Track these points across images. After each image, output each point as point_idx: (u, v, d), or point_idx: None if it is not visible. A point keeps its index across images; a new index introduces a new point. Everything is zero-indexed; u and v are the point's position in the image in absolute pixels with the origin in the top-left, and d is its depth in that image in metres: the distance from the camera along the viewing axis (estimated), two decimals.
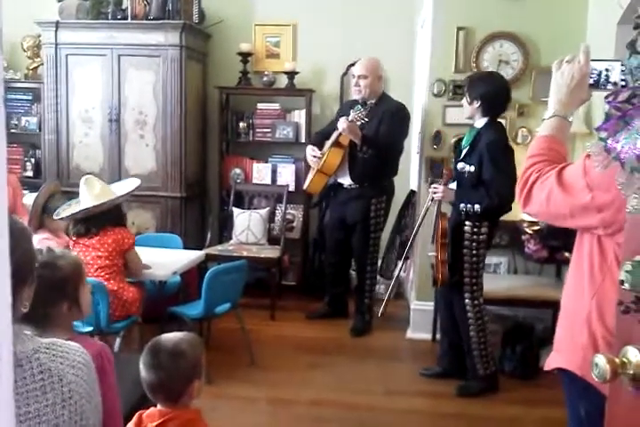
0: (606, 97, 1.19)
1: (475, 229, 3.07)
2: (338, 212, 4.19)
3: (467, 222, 3.08)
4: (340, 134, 3.91)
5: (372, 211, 4.05)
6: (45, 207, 3.34)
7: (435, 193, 3.16)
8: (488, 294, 3.48)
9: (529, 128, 3.87)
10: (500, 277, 3.88)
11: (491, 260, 3.93)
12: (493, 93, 3.07)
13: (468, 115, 3.17)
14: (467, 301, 3.15)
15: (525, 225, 3.72)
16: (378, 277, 4.27)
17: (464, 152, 3.12)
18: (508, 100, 3.15)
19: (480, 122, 3.11)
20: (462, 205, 3.02)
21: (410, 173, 4.82)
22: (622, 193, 1.02)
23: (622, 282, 0.95)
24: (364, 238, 4.08)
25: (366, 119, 3.81)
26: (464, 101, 3.16)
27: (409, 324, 4.07)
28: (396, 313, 4.38)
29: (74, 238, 3.14)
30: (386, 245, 4.40)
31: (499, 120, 3.20)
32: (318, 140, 4.20)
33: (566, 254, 3.18)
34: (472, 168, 3.01)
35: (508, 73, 3.85)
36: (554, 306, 3.52)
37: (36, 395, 1.12)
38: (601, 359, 1.01)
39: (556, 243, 3.29)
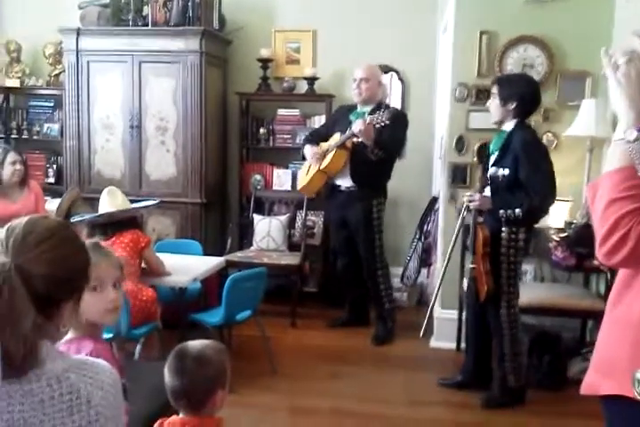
0: None
1: (512, 236, 2.98)
2: (338, 213, 4.15)
3: (504, 229, 2.98)
4: (351, 137, 3.87)
5: (375, 212, 4.02)
6: (68, 213, 3.36)
7: (470, 202, 3.03)
8: None
9: (555, 133, 3.79)
10: (527, 286, 3.77)
11: None
12: (529, 94, 3.02)
13: (498, 118, 3.08)
14: (502, 311, 3.05)
15: (552, 232, 3.64)
16: (397, 282, 4.20)
17: (494, 157, 3.04)
18: (540, 101, 3.10)
19: (509, 124, 3.04)
20: (502, 212, 2.92)
21: (432, 179, 4.76)
22: None
23: None
24: (370, 241, 4.04)
25: (386, 122, 3.77)
26: (493, 104, 3.07)
27: (432, 332, 4.00)
28: (420, 321, 4.30)
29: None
30: (408, 251, 4.34)
31: (527, 122, 3.13)
32: (314, 140, 4.16)
33: (595, 262, 3.09)
34: (506, 171, 2.93)
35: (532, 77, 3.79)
36: (582, 315, 3.46)
37: (62, 416, 1.09)
38: None
39: (585, 250, 3.19)
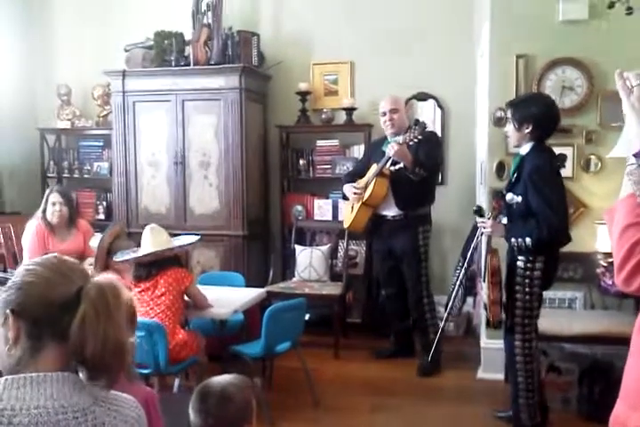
0: None
1: (528, 265, 2.86)
2: (384, 244, 4.14)
3: (520, 257, 2.87)
4: (384, 165, 3.89)
5: (421, 240, 4.01)
6: (110, 249, 3.43)
7: (483, 228, 2.97)
8: (563, 330, 3.29)
9: (598, 155, 3.69)
10: (576, 313, 3.65)
11: (565, 295, 3.73)
12: (544, 114, 2.89)
13: (515, 142, 2.99)
14: (517, 343, 2.94)
15: (600, 257, 3.51)
16: (442, 310, 4.11)
17: (511, 182, 2.96)
18: (558, 120, 2.95)
19: (525, 148, 2.94)
20: (513, 240, 2.83)
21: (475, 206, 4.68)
22: None
23: None
24: (416, 269, 4.02)
25: (419, 137, 3.76)
26: (509, 129, 2.97)
27: (480, 363, 3.88)
28: (466, 351, 4.20)
29: (134, 282, 3.19)
30: (452, 280, 4.25)
31: (546, 144, 2.98)
32: (352, 179, 4.19)
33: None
34: (519, 198, 2.84)
35: (572, 99, 3.73)
36: None
37: None
38: None
39: None
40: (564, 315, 3.49)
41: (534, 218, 2.79)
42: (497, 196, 3.05)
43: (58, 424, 1.09)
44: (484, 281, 2.96)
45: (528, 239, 2.78)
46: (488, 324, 3.00)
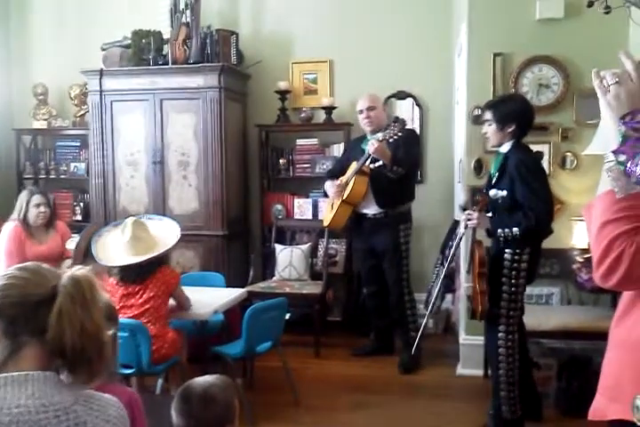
0: (622, 117, 1.10)
1: (515, 257, 2.91)
2: (365, 242, 4.15)
3: (507, 250, 2.92)
4: (364, 163, 3.91)
5: (402, 237, 4.03)
6: (88, 251, 3.39)
7: (469, 220, 3.00)
8: (540, 326, 3.33)
9: (574, 152, 3.73)
10: (553, 309, 3.70)
11: (542, 290, 3.77)
12: (524, 113, 2.97)
13: (496, 142, 3.01)
14: (500, 334, 2.97)
15: (576, 253, 3.56)
16: (422, 309, 4.15)
17: (494, 179, 3.00)
18: (534, 117, 3.03)
19: (506, 146, 2.98)
20: (500, 231, 2.88)
21: (453, 203, 4.72)
22: None
23: None
24: (397, 267, 4.04)
25: (399, 134, 3.78)
26: (490, 129, 3.00)
27: (459, 359, 3.91)
28: (446, 348, 4.23)
29: (119, 284, 3.13)
30: (431, 277, 4.27)
31: (523, 142, 3.04)
32: (333, 177, 4.20)
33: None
34: (504, 193, 2.90)
35: (549, 97, 3.77)
36: None
37: None
38: None
39: None
40: (542, 310, 3.53)
41: (520, 210, 2.84)
42: (481, 191, 3.10)
43: (39, 423, 1.10)
44: (469, 273, 2.97)
45: (515, 229, 2.83)
46: (473, 316, 3.01)
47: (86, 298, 1.18)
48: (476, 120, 3.81)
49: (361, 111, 4.06)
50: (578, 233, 3.60)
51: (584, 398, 3.21)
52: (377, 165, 3.92)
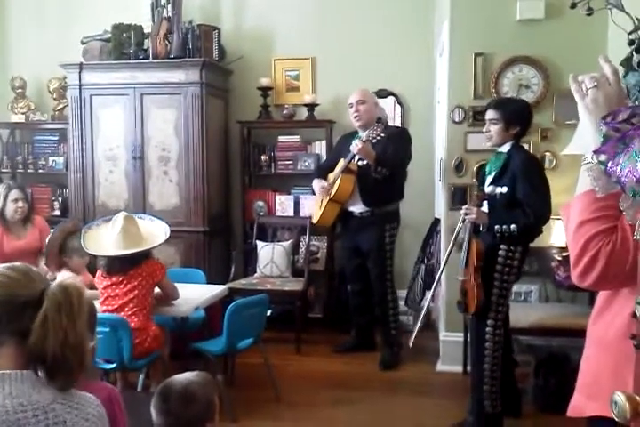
0: (604, 117, 1.12)
1: (509, 254, 2.96)
2: (351, 241, 4.16)
3: (502, 246, 2.96)
4: (350, 161, 3.91)
5: (387, 237, 4.03)
6: (65, 247, 3.37)
7: (467, 214, 3.03)
8: (519, 323, 3.37)
9: (553, 152, 3.78)
10: (531, 306, 3.75)
11: (521, 288, 3.82)
12: (528, 115, 3.07)
13: (499, 142, 3.04)
14: (488, 329, 3.01)
15: (554, 251, 3.61)
16: (402, 306, 4.18)
17: (491, 177, 3.04)
18: (532, 121, 3.16)
19: (506, 146, 3.04)
20: (497, 227, 2.91)
21: (434, 201, 4.75)
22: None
23: (635, 315, 0.88)
24: (381, 266, 4.04)
25: (382, 135, 3.79)
26: (494, 129, 3.03)
27: (439, 356, 3.95)
28: (426, 345, 4.26)
29: (104, 276, 3.13)
30: (411, 274, 4.31)
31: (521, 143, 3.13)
32: (321, 173, 4.20)
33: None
34: (504, 189, 2.94)
35: (529, 97, 3.80)
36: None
37: None
38: (620, 397, 0.93)
39: None
40: (520, 308, 3.58)
41: (519, 208, 2.89)
42: (477, 187, 3.19)
43: (17, 423, 1.09)
44: (466, 266, 3.00)
45: (513, 226, 2.87)
46: (466, 309, 3.03)
47: (73, 308, 1.18)
48: (458, 120, 3.84)
49: (351, 105, 4.04)
50: (556, 232, 3.66)
51: (561, 394, 3.28)
52: (364, 162, 3.92)
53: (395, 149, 3.90)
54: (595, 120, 1.29)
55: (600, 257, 1.24)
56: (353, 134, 4.13)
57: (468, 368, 3.61)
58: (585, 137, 1.34)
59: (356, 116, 4.02)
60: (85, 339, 1.20)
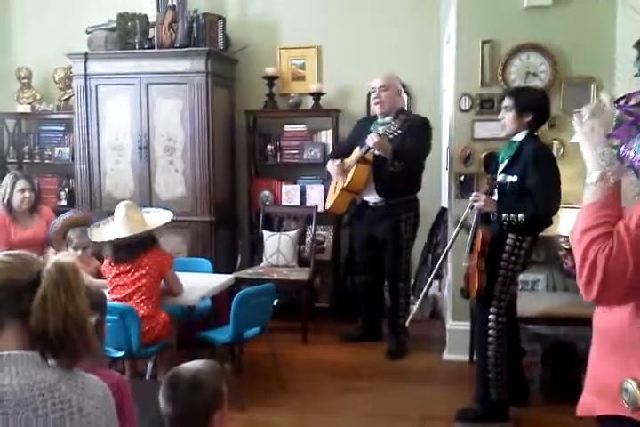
0: (616, 101, 1.11)
1: (517, 243, 2.95)
2: (366, 230, 4.12)
3: (510, 235, 2.95)
4: (367, 151, 3.85)
5: (403, 227, 3.99)
6: (65, 238, 3.40)
7: (475, 201, 3.02)
8: (526, 312, 3.36)
9: (561, 140, 3.76)
10: (539, 295, 3.74)
11: (528, 277, 3.80)
12: (545, 106, 3.05)
13: (512, 130, 3.02)
14: (491, 316, 3.00)
15: (562, 240, 3.59)
16: (412, 296, 4.17)
17: (503, 165, 3.02)
18: (550, 112, 3.14)
19: (520, 135, 3.02)
20: (505, 215, 2.91)
21: (441, 190, 4.73)
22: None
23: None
24: (396, 256, 4.00)
25: (399, 131, 3.75)
26: (508, 116, 3.01)
27: (445, 345, 3.95)
28: (432, 334, 4.26)
29: (111, 265, 3.14)
30: (418, 263, 4.30)
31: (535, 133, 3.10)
32: (337, 156, 4.16)
33: None
34: (514, 178, 2.92)
35: (536, 85, 3.77)
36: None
37: (56, 424, 1.14)
38: (631, 384, 0.92)
39: None
40: (527, 297, 3.57)
41: (529, 196, 2.88)
42: (490, 175, 3.17)
43: (24, 402, 1.11)
44: (471, 252, 2.99)
45: (521, 215, 2.86)
46: (468, 295, 3.03)
47: (70, 284, 1.19)
48: (465, 108, 3.81)
49: (373, 89, 3.97)
50: (564, 220, 3.64)
51: (568, 383, 3.29)
52: (380, 153, 3.84)
53: (414, 142, 3.82)
54: (592, 143, 1.35)
55: (598, 262, 1.24)
56: (371, 120, 4.07)
57: (475, 357, 3.61)
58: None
59: (377, 103, 3.94)
60: (86, 314, 1.21)
